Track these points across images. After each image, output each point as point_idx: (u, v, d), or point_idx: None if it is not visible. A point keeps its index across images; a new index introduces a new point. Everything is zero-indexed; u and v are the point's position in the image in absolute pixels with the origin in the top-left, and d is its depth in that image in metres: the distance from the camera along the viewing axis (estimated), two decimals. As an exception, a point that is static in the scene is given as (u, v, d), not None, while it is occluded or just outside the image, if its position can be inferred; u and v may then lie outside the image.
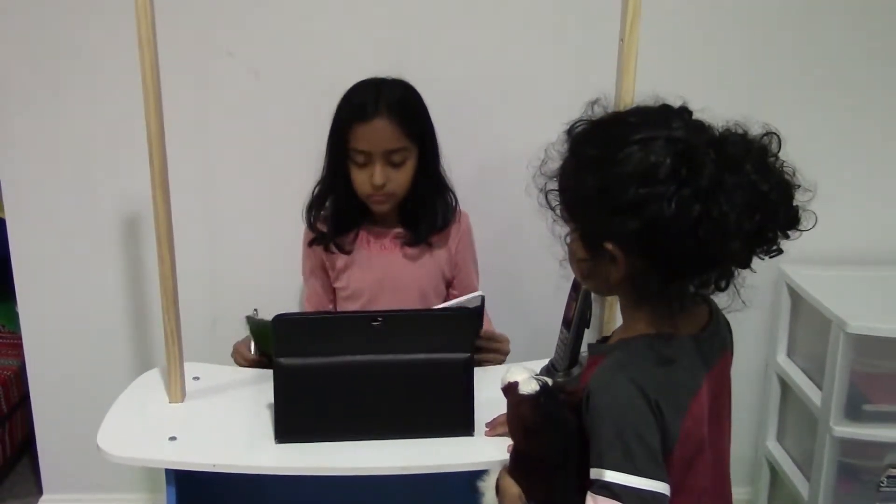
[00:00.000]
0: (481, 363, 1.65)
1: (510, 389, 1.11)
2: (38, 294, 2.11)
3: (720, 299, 1.10)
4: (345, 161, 1.68)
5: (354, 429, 1.39)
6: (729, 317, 1.16)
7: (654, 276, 1.04)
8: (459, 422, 1.40)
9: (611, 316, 1.51)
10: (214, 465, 1.36)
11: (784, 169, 1.04)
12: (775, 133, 1.05)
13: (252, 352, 1.64)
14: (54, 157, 2.01)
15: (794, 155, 1.06)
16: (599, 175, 1.03)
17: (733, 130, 1.04)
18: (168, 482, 1.41)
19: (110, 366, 2.13)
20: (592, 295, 1.35)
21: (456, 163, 1.81)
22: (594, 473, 1.03)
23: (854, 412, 1.87)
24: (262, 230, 2.06)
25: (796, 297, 2.07)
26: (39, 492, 2.31)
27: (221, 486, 1.51)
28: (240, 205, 2.05)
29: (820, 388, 1.94)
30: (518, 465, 1.16)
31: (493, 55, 1.96)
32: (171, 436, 1.41)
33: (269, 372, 1.41)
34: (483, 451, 1.37)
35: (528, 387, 1.09)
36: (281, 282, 2.01)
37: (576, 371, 1.37)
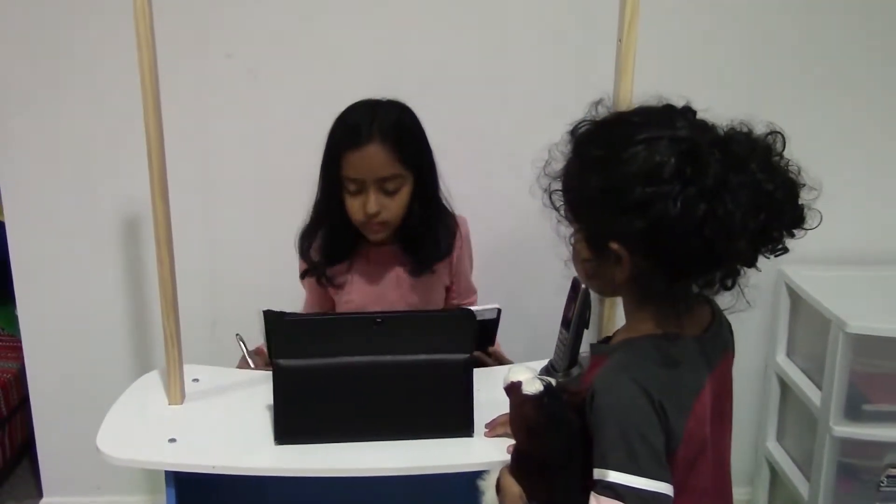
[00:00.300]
0: None
1: (513, 389, 1.11)
2: (38, 296, 2.11)
3: (723, 300, 1.10)
4: (338, 188, 1.62)
5: (354, 430, 1.39)
6: (729, 317, 1.16)
7: (658, 275, 1.04)
8: (459, 422, 1.40)
9: (611, 316, 1.51)
10: (214, 467, 1.36)
11: (789, 168, 1.04)
12: (779, 132, 1.05)
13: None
14: (53, 159, 2.01)
15: (794, 155, 1.06)
16: (604, 175, 1.03)
17: (738, 129, 1.04)
18: (168, 484, 1.41)
19: (110, 368, 2.13)
20: (592, 295, 1.35)
21: (455, 163, 1.80)
22: (597, 474, 1.03)
23: (854, 412, 1.87)
24: (261, 232, 2.06)
25: (796, 297, 2.07)
26: (39, 494, 2.31)
27: (221, 487, 1.51)
28: (239, 206, 2.05)
29: (819, 388, 1.94)
30: (520, 465, 1.16)
31: (493, 55, 1.96)
32: (170, 437, 1.41)
33: (269, 373, 1.41)
34: (483, 451, 1.36)
35: (532, 387, 1.09)
36: (281, 283, 2.01)
37: (575, 371, 1.36)
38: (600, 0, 1.63)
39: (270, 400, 1.39)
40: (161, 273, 1.48)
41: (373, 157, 1.57)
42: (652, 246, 1.01)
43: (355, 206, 1.61)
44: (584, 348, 1.35)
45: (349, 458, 1.36)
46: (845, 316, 1.81)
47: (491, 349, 1.67)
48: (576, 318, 1.35)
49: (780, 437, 2.21)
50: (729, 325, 1.18)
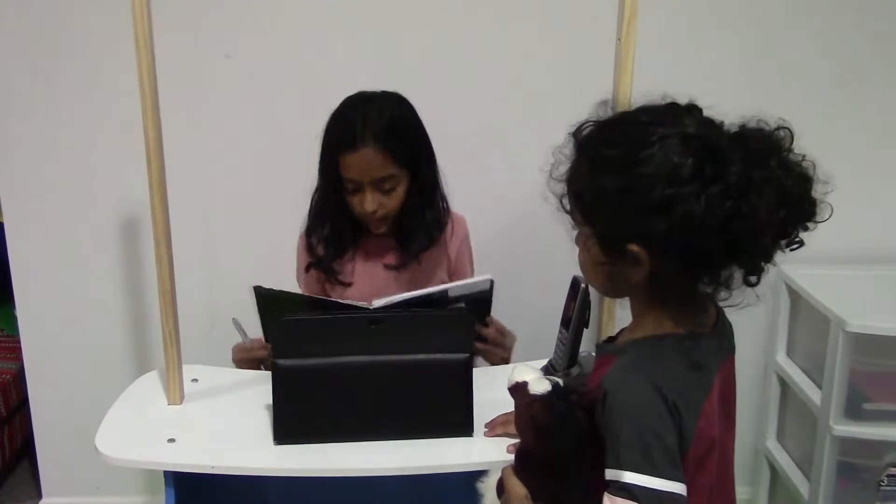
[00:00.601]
0: (484, 355, 1.65)
1: (519, 389, 1.09)
2: (37, 297, 2.11)
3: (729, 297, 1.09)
4: (337, 184, 1.64)
5: (353, 429, 1.38)
6: (729, 316, 1.16)
7: (677, 274, 1.04)
8: (459, 422, 1.40)
9: (610, 316, 1.51)
10: (213, 467, 1.36)
11: (803, 162, 1.04)
12: (788, 127, 1.05)
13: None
14: (52, 159, 2.01)
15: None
16: (620, 176, 1.02)
17: (750, 126, 1.04)
18: (167, 484, 1.41)
19: (109, 368, 2.13)
20: (592, 294, 1.35)
21: (455, 163, 1.80)
22: (611, 474, 1.01)
23: (854, 411, 1.86)
24: (260, 232, 2.06)
25: (796, 297, 2.07)
26: (39, 495, 2.31)
27: (220, 487, 1.51)
28: (238, 207, 2.05)
29: (819, 387, 1.93)
30: (526, 466, 1.14)
31: (493, 56, 1.95)
32: (169, 438, 1.41)
33: (268, 373, 1.41)
34: (482, 451, 1.36)
35: (540, 387, 1.07)
36: (280, 283, 2.00)
37: (574, 371, 1.36)
38: (600, 0, 1.63)
39: (269, 400, 1.39)
40: (160, 273, 1.48)
41: (367, 161, 1.58)
42: (674, 245, 1.00)
43: (355, 203, 1.65)
44: (584, 348, 1.34)
45: (348, 458, 1.36)
46: (845, 315, 1.81)
47: (488, 318, 1.67)
48: (575, 317, 1.35)
49: (780, 437, 2.21)
50: (730, 325, 1.18)
